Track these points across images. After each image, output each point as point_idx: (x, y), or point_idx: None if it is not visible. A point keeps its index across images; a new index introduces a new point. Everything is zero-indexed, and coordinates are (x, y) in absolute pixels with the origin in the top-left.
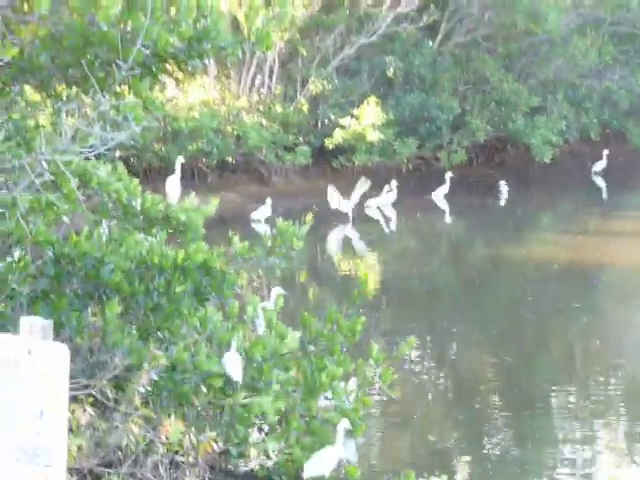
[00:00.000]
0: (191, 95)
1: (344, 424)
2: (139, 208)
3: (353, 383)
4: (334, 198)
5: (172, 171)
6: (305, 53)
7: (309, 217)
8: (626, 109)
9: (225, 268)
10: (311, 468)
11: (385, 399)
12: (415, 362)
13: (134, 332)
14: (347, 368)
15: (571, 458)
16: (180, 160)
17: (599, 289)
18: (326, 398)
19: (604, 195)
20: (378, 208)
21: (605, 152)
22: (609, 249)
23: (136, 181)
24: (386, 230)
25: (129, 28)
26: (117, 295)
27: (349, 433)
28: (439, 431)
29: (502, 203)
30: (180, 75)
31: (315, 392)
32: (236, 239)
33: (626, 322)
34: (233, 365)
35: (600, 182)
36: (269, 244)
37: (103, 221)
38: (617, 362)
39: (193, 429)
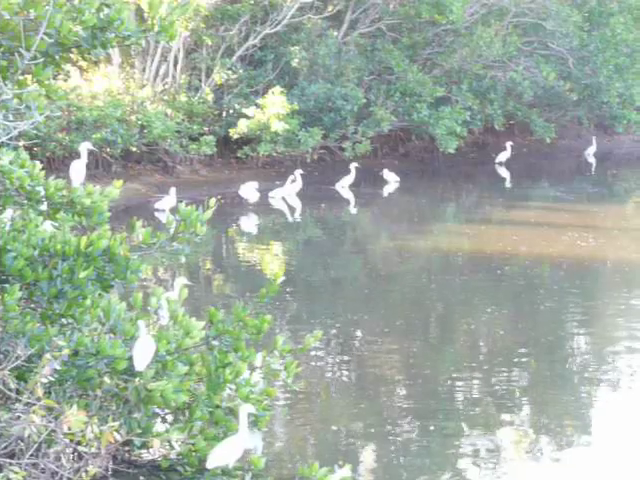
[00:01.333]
0: (95, 84)
1: (247, 409)
2: (43, 194)
3: (257, 375)
4: (251, 191)
5: (77, 158)
6: (210, 43)
7: (212, 202)
8: (530, 100)
9: (128, 254)
10: (215, 458)
11: (290, 390)
12: (320, 353)
13: (37, 319)
14: (252, 360)
15: (475, 448)
16: (87, 146)
17: (503, 279)
18: (230, 389)
19: (508, 185)
20: (283, 198)
21: (509, 143)
22: (513, 239)
23: (39, 165)
24: (290, 220)
25: (32, 16)
26: (20, 282)
27: (253, 424)
28: (344, 421)
29: (385, 193)
30: (84, 64)
31: (219, 388)
32: (139, 224)
33: (529, 311)
34: (142, 353)
35: (504, 172)
36: (172, 230)
37: (7, 209)
38: (520, 352)
39: (96, 419)
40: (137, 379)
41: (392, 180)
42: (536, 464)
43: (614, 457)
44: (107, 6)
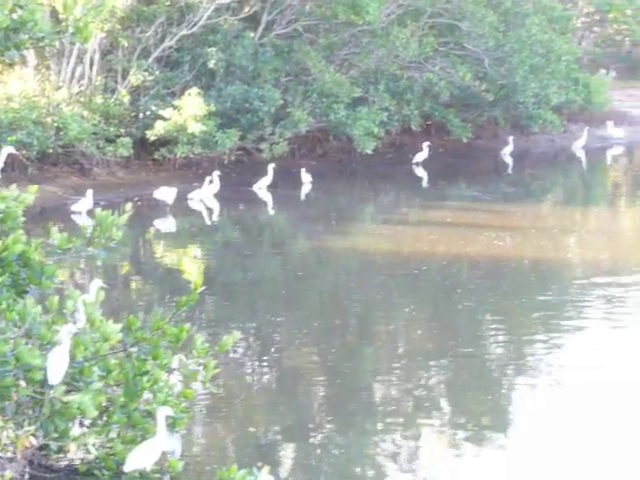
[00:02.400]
0: (10, 86)
1: (165, 411)
2: None
3: (175, 377)
4: (167, 194)
5: None
6: (126, 44)
7: (128, 206)
8: (447, 100)
9: (44, 260)
10: (132, 461)
11: (209, 392)
12: (239, 355)
13: None
14: (169, 363)
15: (394, 447)
16: (9, 150)
17: (420, 279)
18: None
19: (425, 185)
20: (201, 200)
21: (426, 143)
22: (430, 239)
23: None
24: (208, 222)
25: None
26: None
27: (172, 426)
28: (263, 423)
29: (303, 194)
30: None
31: (136, 395)
32: (55, 230)
33: (447, 311)
34: (56, 365)
35: (421, 173)
36: (88, 234)
37: None
38: (438, 351)
39: (11, 424)
40: (52, 392)
41: (307, 181)
42: (454, 462)
43: (531, 455)
44: (20, 7)
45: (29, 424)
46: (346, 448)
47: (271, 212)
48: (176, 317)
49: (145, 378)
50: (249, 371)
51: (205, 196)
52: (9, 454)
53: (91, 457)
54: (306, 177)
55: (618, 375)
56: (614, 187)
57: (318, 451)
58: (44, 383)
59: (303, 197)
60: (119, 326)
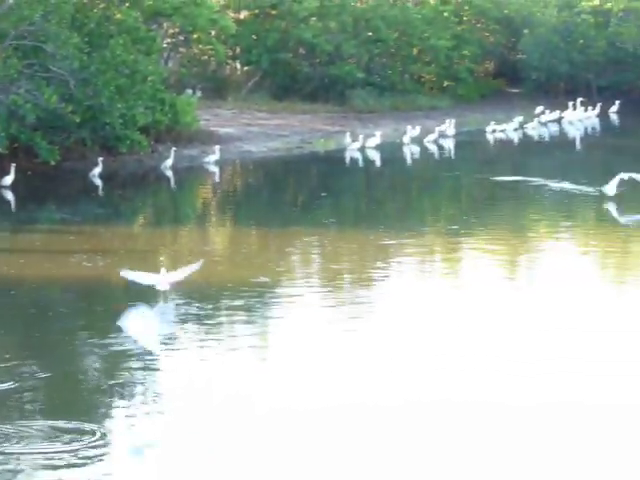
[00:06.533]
0: None
1: None
2: None
3: None
4: None
5: None
6: None
7: None
8: (33, 123)
9: None
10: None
11: None
12: None
13: None
14: None
15: None
16: None
17: (10, 304)
18: None
19: (13, 209)
20: None
21: (13, 165)
22: (20, 263)
23: None
24: None
25: None
26: None
27: None
28: None
29: None
30: None
31: None
32: None
33: (40, 336)
34: None
35: (9, 196)
36: None
37: None
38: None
39: None
40: None
41: None
42: None
43: None
44: None
45: None
46: None
47: None
48: None
49: None
50: None
51: None
52: None
53: None
54: None
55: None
56: (203, 206)
57: None
58: None
59: None
60: None
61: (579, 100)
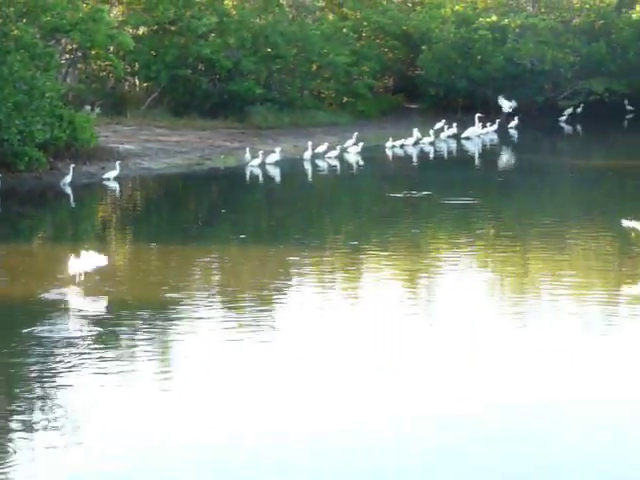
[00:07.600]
0: None
1: None
2: None
3: None
4: None
5: None
6: None
7: None
8: None
9: None
10: None
11: None
12: None
13: None
14: None
15: None
16: None
17: None
18: None
19: None
20: None
21: None
22: None
23: None
24: None
25: None
26: None
27: None
28: None
29: None
30: None
31: None
32: None
33: None
34: None
35: None
36: None
37: None
38: None
39: None
40: None
41: None
42: None
43: None
44: None
45: None
46: None
47: None
48: None
49: None
50: None
51: None
52: None
53: None
54: None
55: None
56: (103, 223)
57: None
58: None
59: None
60: None
61: (477, 116)
